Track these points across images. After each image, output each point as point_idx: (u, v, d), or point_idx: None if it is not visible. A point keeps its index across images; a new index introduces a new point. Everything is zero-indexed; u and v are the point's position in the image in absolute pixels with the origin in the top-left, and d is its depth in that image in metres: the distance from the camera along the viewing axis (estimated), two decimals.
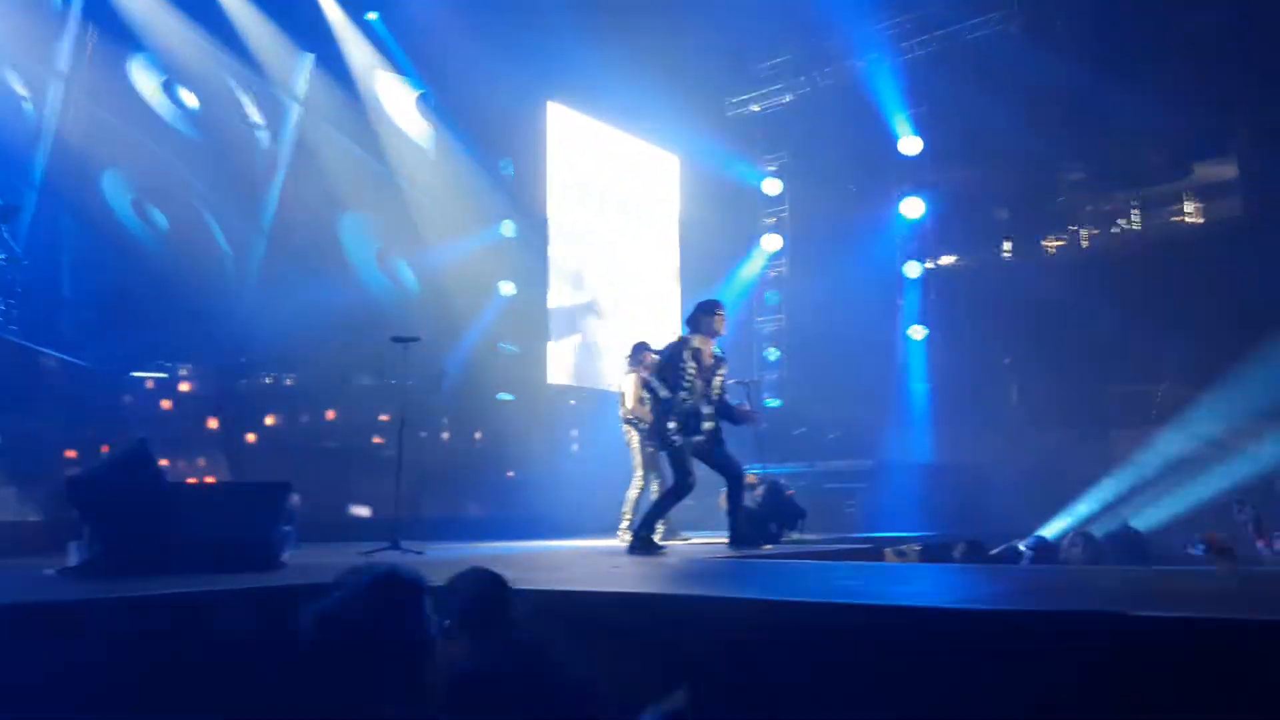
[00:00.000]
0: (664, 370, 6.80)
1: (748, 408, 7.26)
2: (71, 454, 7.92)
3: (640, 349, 8.61)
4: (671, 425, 6.69)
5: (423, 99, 12.58)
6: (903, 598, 3.23)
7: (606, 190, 13.63)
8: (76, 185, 10.17)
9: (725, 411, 6.95)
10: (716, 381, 6.87)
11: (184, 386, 9.79)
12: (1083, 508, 10.22)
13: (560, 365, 12.49)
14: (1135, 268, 12.27)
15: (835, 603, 3.07)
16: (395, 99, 12.54)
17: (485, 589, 2.81)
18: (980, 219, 14.17)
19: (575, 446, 12.51)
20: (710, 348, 6.89)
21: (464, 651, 2.64)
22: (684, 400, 6.64)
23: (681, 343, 6.84)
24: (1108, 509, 10.10)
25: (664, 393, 6.69)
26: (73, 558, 4.84)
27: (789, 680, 2.78)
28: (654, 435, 7.34)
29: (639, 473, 8.37)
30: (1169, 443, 10.64)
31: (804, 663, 2.77)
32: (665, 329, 13.26)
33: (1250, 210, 12.13)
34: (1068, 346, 12.15)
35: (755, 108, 15.07)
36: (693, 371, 6.68)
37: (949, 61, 13.03)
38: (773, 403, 14.11)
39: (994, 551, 7.00)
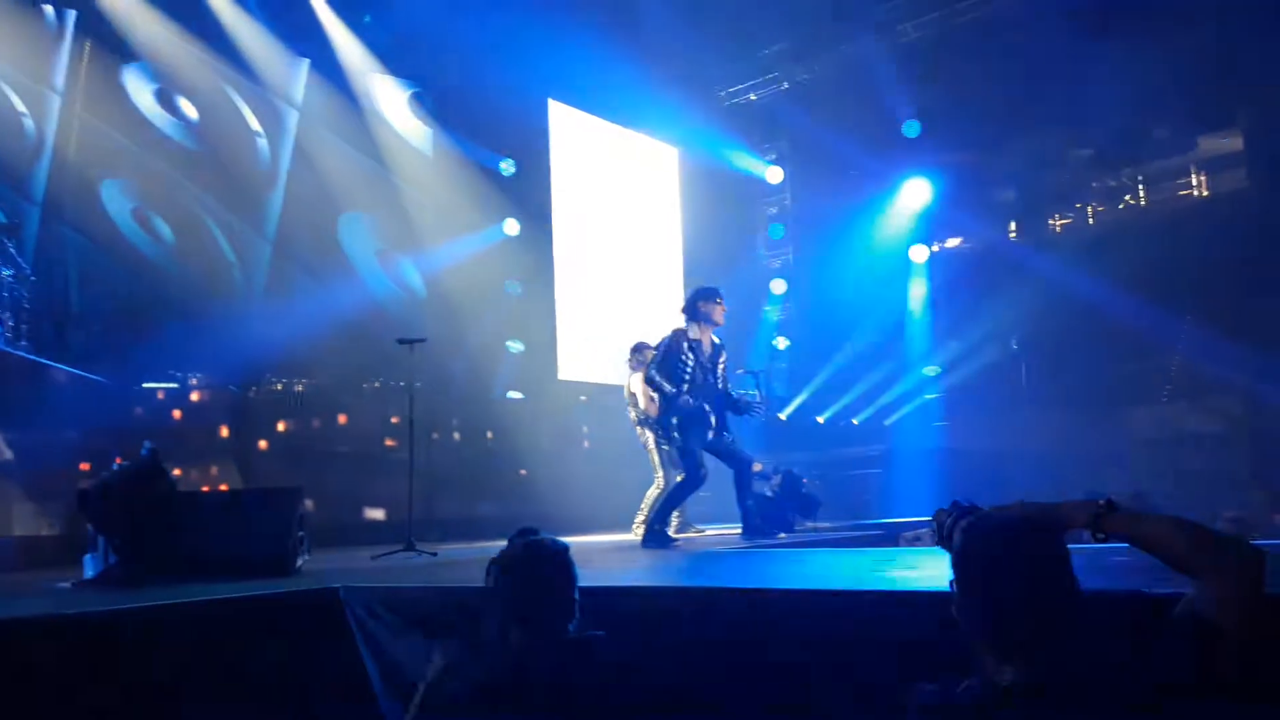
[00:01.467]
0: (663, 365, 6.72)
1: (753, 396, 7.15)
2: (85, 467, 7.95)
3: (640, 348, 8.58)
4: (674, 421, 6.68)
5: (416, 98, 12.57)
6: (913, 583, 3.21)
7: (608, 185, 13.62)
8: (78, 200, 10.22)
9: (728, 402, 6.90)
10: (719, 371, 6.83)
11: (194, 396, 9.81)
12: None
13: (569, 362, 12.49)
14: (1143, 244, 12.19)
15: (859, 590, 3.04)
16: (392, 101, 12.54)
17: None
18: (985, 200, 14.10)
19: (586, 443, 12.50)
20: (709, 336, 6.84)
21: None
22: (685, 399, 6.58)
23: (677, 335, 6.78)
24: None
25: (669, 388, 6.61)
26: (88, 570, 4.86)
27: (805, 667, 2.77)
28: (658, 427, 7.31)
29: (660, 473, 8.34)
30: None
31: (817, 649, 2.77)
32: (671, 322, 13.28)
33: (1257, 182, 12.03)
34: (1078, 325, 12.09)
35: (753, 96, 15.03)
36: (692, 364, 6.64)
37: (946, 42, 12.97)
38: (783, 391, 14.08)
39: None
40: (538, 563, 2.65)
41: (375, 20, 12.18)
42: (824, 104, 13.96)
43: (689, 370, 6.61)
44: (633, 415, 8.56)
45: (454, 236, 12.11)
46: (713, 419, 6.68)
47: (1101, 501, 1.86)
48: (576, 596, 2.69)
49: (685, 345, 6.67)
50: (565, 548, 2.73)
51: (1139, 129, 12.90)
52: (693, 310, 6.86)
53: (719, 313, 6.87)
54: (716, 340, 6.89)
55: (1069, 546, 1.81)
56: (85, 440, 8.04)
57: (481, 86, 11.64)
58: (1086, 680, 1.64)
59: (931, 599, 2.61)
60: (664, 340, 6.84)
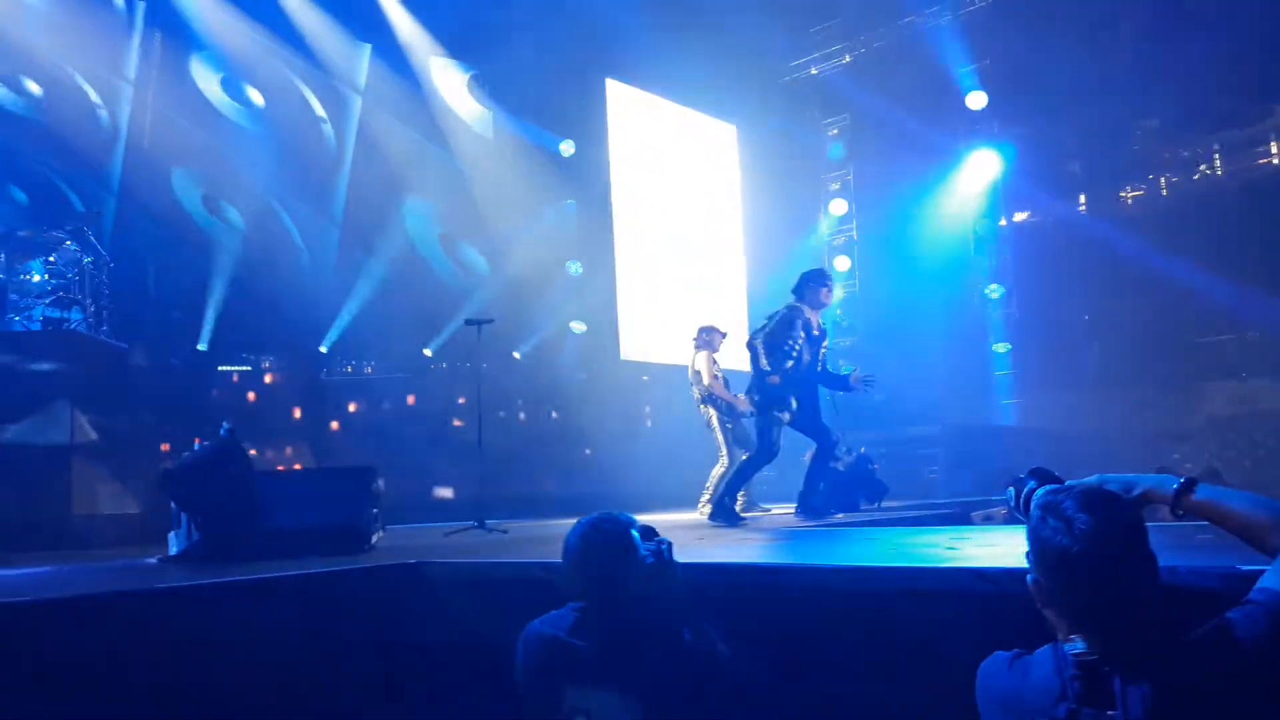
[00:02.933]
0: (771, 336, 6.65)
1: (860, 374, 7.05)
2: (165, 447, 8.19)
3: (707, 331, 8.57)
4: (756, 398, 6.65)
5: (475, 80, 12.64)
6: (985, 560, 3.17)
7: (667, 164, 13.57)
8: (152, 187, 10.48)
9: (833, 381, 6.86)
10: (821, 353, 6.79)
11: (268, 378, 10.04)
12: None
13: (631, 341, 12.50)
14: (1219, 214, 11.83)
15: (919, 567, 3.03)
16: (452, 84, 12.62)
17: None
18: (1054, 172, 13.77)
19: (649, 422, 12.53)
20: (817, 319, 6.80)
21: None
22: (773, 379, 6.52)
23: (794, 311, 6.71)
24: None
25: (765, 364, 6.55)
26: (172, 547, 5.01)
27: (870, 646, 2.77)
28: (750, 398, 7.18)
29: (724, 451, 8.32)
30: None
31: (881, 626, 2.76)
32: (732, 299, 13.23)
33: None
34: (1150, 299, 11.79)
35: (813, 71, 14.83)
36: (801, 342, 6.59)
37: (1010, 12, 12.66)
38: (849, 369, 13.95)
39: None
40: (597, 550, 2.66)
41: (434, 3, 12.27)
42: (886, 77, 13.70)
43: (796, 348, 6.56)
44: (696, 394, 8.55)
45: (515, 218, 12.19)
46: (794, 401, 6.61)
47: (1182, 479, 1.86)
48: (643, 555, 2.67)
49: (799, 324, 6.61)
50: (621, 529, 2.70)
51: (1212, 96, 12.47)
52: (801, 292, 6.80)
53: (826, 295, 6.83)
54: (824, 325, 6.87)
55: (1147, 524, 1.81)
56: (165, 421, 8.28)
57: (539, 67, 11.67)
58: (1159, 652, 1.64)
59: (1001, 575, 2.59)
60: (779, 312, 6.75)
